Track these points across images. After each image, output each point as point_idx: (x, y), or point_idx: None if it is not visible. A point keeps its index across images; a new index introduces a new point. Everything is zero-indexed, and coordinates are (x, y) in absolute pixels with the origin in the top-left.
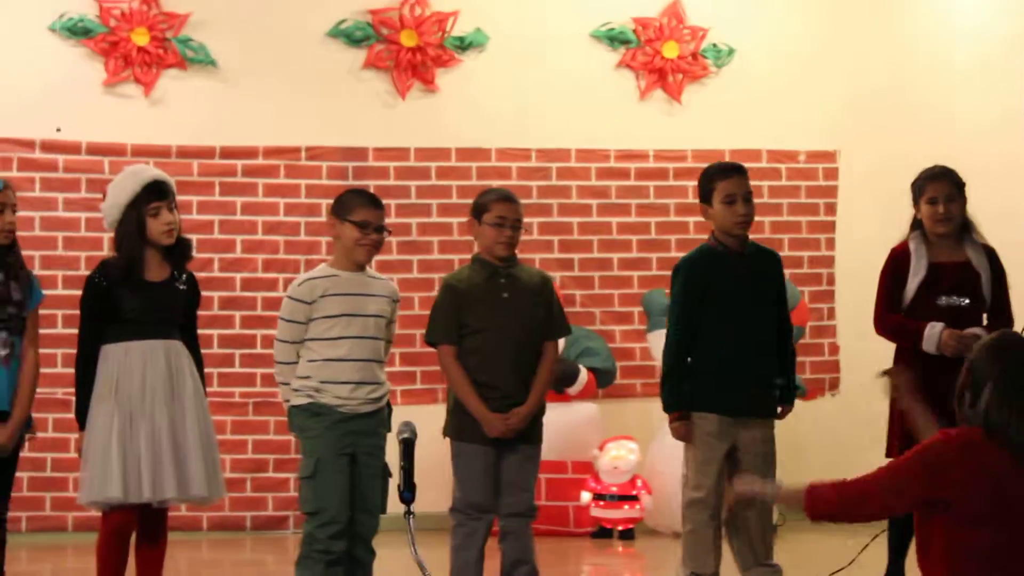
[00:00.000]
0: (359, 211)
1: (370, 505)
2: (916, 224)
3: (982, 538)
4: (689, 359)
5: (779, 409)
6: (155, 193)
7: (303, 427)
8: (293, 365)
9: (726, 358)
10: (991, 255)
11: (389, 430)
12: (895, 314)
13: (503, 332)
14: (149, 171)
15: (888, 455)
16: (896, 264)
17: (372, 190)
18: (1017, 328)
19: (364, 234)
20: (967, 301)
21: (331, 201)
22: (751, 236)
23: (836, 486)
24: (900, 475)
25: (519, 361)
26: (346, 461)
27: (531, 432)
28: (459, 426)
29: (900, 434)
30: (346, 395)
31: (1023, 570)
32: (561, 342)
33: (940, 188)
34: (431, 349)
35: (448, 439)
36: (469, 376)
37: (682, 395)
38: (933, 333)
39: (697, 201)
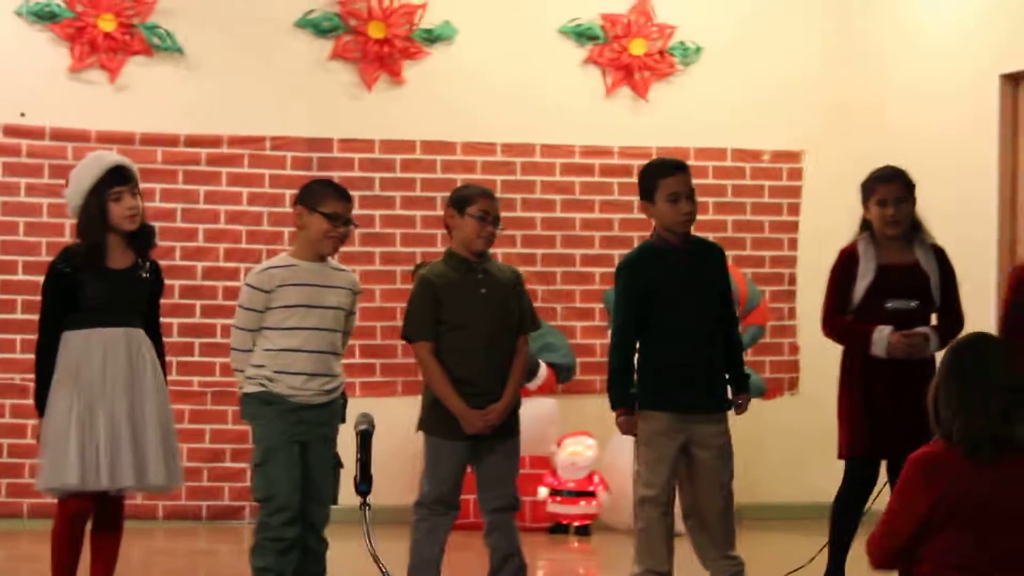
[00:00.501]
0: (330, 203)
1: (321, 495)
2: (865, 225)
3: (946, 538)
4: (636, 357)
5: (738, 400)
6: (117, 178)
7: (255, 415)
8: (248, 353)
9: (673, 355)
10: (940, 255)
11: (343, 421)
12: (843, 316)
13: (480, 328)
14: (111, 156)
15: (840, 456)
16: (844, 265)
17: (336, 180)
18: (966, 326)
19: (333, 226)
20: (915, 303)
21: (295, 191)
22: (713, 235)
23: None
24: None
25: (495, 356)
26: (297, 449)
27: (509, 426)
28: (435, 422)
29: (844, 434)
30: (299, 386)
31: (988, 565)
32: None
33: (890, 190)
34: (391, 342)
35: (422, 433)
36: (447, 372)
37: (628, 393)
38: (881, 337)
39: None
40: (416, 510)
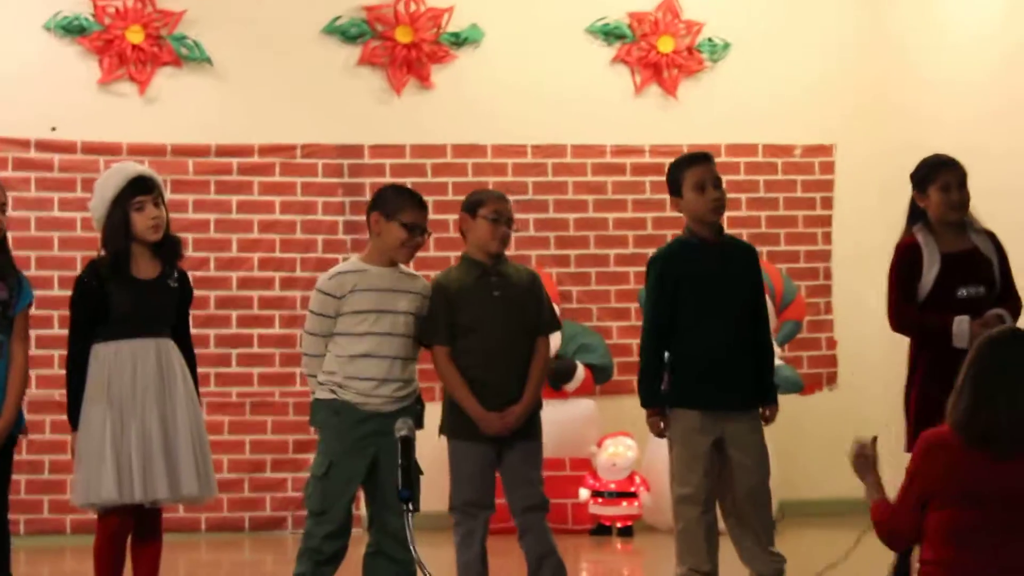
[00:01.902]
0: (408, 213)
1: (396, 504)
2: (919, 216)
3: (949, 517)
4: (668, 354)
5: (765, 412)
6: (139, 188)
7: (324, 423)
8: (320, 358)
9: (703, 351)
10: (995, 240)
11: (421, 427)
12: (913, 309)
13: (495, 331)
14: (133, 167)
15: (908, 450)
16: (908, 258)
17: (367, 187)
18: None
19: (411, 236)
20: (983, 290)
21: (327, 199)
22: (747, 231)
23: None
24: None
25: (512, 359)
26: (364, 464)
27: (529, 428)
28: (455, 425)
29: (911, 429)
30: (369, 392)
31: (992, 545)
32: (557, 338)
33: (953, 175)
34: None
35: (444, 438)
36: (463, 375)
37: (657, 391)
38: (962, 328)
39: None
40: (451, 515)
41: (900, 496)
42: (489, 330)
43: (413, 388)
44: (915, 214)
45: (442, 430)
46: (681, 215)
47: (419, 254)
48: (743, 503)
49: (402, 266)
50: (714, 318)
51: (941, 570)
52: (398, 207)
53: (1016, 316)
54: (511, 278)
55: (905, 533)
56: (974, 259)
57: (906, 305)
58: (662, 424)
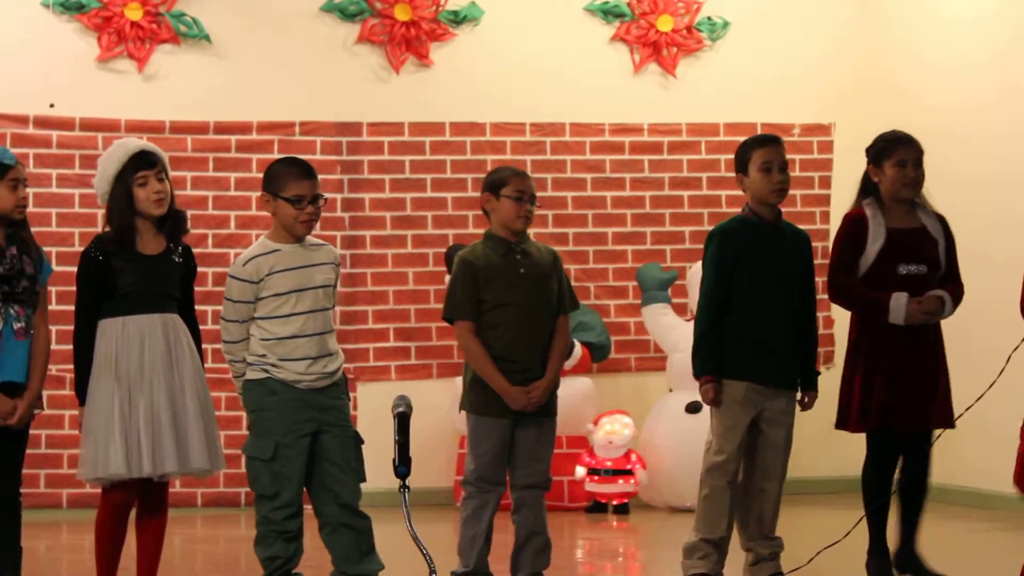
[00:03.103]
0: (292, 186)
1: (345, 475)
2: (870, 189)
3: None
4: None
5: (805, 399)
6: (142, 163)
7: (260, 404)
8: (244, 342)
9: (754, 326)
10: (943, 222)
11: (349, 398)
12: (853, 281)
13: (522, 307)
14: (135, 142)
15: (837, 426)
16: (853, 230)
17: (366, 165)
18: (1002, 298)
19: (300, 210)
20: (925, 269)
21: (325, 176)
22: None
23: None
24: None
25: (536, 335)
26: (306, 442)
27: (548, 405)
28: (477, 400)
29: (855, 406)
30: (303, 371)
31: None
32: None
33: (909, 152)
34: (425, 324)
35: (464, 413)
36: (489, 351)
37: (713, 360)
38: (899, 305)
39: (733, 173)
40: (463, 488)
41: None
42: (516, 307)
43: (340, 361)
44: (867, 187)
45: (463, 406)
46: (744, 191)
47: (416, 232)
48: (763, 482)
49: (310, 238)
50: (768, 296)
51: None
52: (281, 183)
53: (957, 300)
54: (535, 256)
55: None
56: (920, 237)
57: (845, 276)
58: (714, 391)
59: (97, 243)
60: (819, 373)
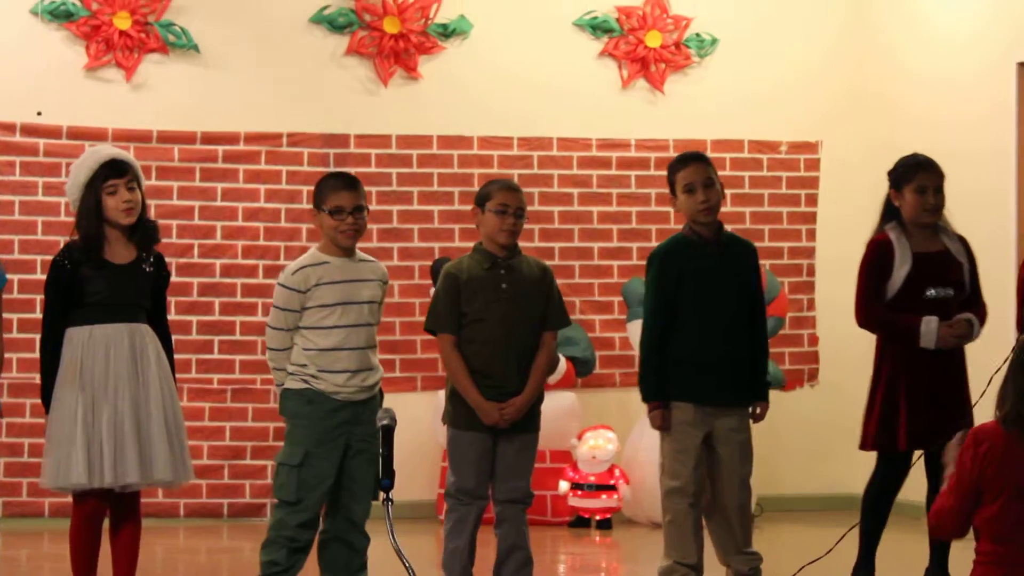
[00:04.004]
0: (332, 198)
1: (363, 492)
2: (892, 214)
3: (1000, 510)
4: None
5: (757, 410)
6: (112, 171)
7: (296, 413)
8: (287, 351)
9: (700, 347)
10: (966, 245)
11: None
12: (880, 306)
13: (502, 322)
14: (108, 150)
15: (862, 447)
16: (879, 255)
17: (347, 172)
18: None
19: (340, 220)
20: (952, 292)
21: (312, 187)
22: (731, 227)
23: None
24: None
25: (517, 351)
26: (338, 454)
27: (528, 421)
28: (456, 413)
29: (874, 426)
30: (342, 383)
31: None
32: None
33: (931, 178)
34: (410, 337)
35: (446, 425)
36: (467, 365)
37: (659, 385)
38: (931, 329)
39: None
40: (446, 501)
41: (950, 488)
42: (496, 321)
43: (379, 376)
44: (889, 211)
45: (444, 418)
46: (678, 212)
47: (403, 244)
48: (724, 500)
49: (359, 253)
50: (711, 314)
51: (994, 563)
52: (323, 195)
53: (982, 321)
54: (522, 271)
55: (949, 526)
56: (945, 261)
57: (873, 302)
58: (661, 418)
59: (66, 251)
60: (771, 384)
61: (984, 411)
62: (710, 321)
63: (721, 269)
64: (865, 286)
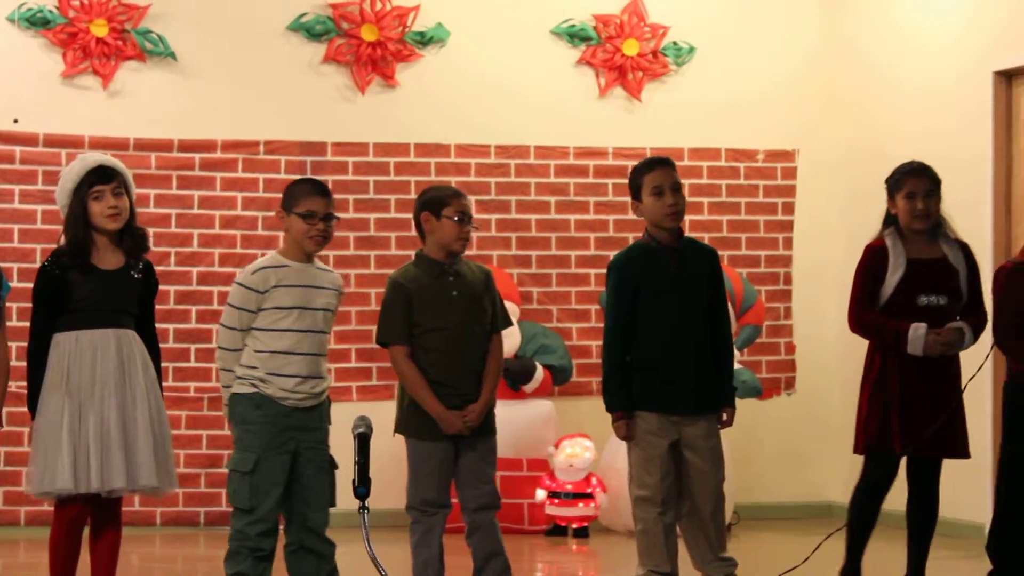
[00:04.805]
0: (304, 202)
1: (317, 499)
2: (890, 220)
3: None
4: (628, 357)
5: (723, 416)
6: (99, 177)
7: (245, 418)
8: (237, 352)
9: (662, 355)
10: (966, 251)
11: (331, 423)
12: (872, 312)
13: (456, 330)
14: (96, 157)
15: (856, 451)
16: (873, 260)
17: (330, 185)
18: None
19: (311, 225)
20: (945, 300)
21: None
22: (708, 235)
23: None
24: None
25: (472, 357)
26: (287, 459)
27: (487, 425)
28: (414, 424)
29: (871, 428)
30: (291, 388)
31: None
32: (516, 338)
33: (918, 184)
34: None
35: (401, 436)
36: (424, 375)
37: (622, 395)
38: (918, 336)
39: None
40: (409, 513)
41: None
42: (450, 330)
43: (327, 384)
44: (889, 218)
45: (398, 429)
46: (639, 217)
47: (380, 252)
48: (698, 506)
49: (317, 261)
50: (673, 321)
51: None
52: (295, 199)
53: (979, 330)
54: (467, 276)
55: None
56: (940, 268)
57: (865, 306)
58: (626, 428)
59: (54, 257)
60: (736, 388)
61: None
62: (671, 329)
63: (680, 275)
64: (858, 291)
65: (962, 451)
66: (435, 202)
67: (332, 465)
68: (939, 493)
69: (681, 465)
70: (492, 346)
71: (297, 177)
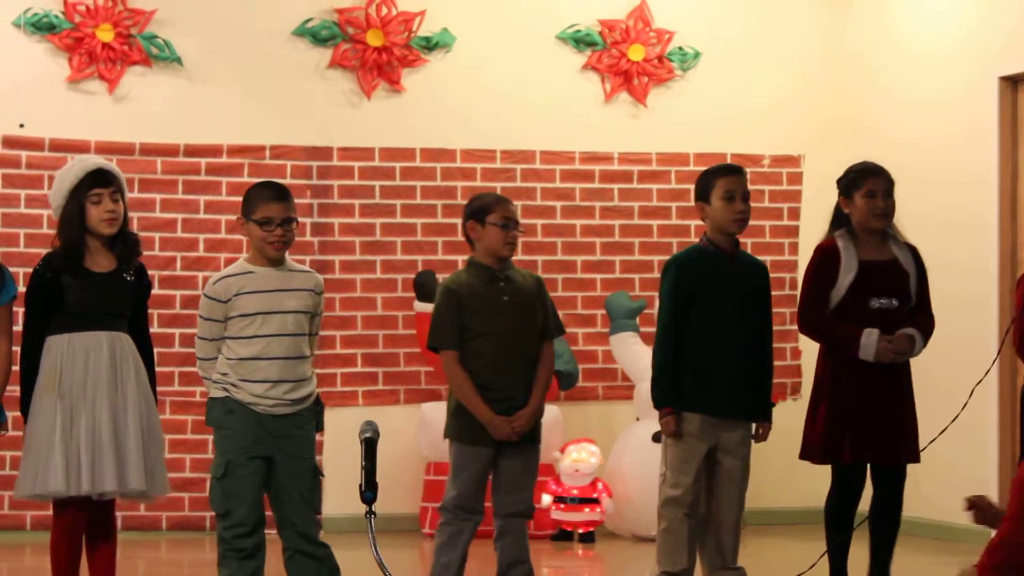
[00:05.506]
0: (261, 208)
1: (299, 505)
2: (842, 221)
3: None
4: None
5: (759, 430)
6: (98, 180)
7: (219, 423)
8: (213, 361)
9: (710, 358)
10: (915, 254)
11: (320, 428)
12: (823, 314)
13: (506, 335)
14: (94, 159)
15: (802, 457)
16: (824, 261)
17: (336, 190)
18: (968, 337)
19: (268, 232)
20: (896, 303)
21: (296, 201)
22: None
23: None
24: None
25: (522, 363)
26: (259, 463)
27: (532, 433)
28: (460, 428)
29: (817, 437)
30: (261, 394)
31: None
32: None
33: (878, 183)
34: (393, 350)
35: (448, 440)
36: (473, 379)
37: (672, 392)
38: (870, 342)
39: (692, 202)
40: (441, 514)
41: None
42: (500, 334)
43: (310, 389)
44: (839, 219)
45: (447, 433)
46: (703, 219)
47: (386, 257)
48: (720, 513)
49: (291, 263)
50: (723, 327)
51: None
52: (251, 205)
53: (927, 333)
54: (518, 283)
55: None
56: (892, 270)
57: (815, 308)
58: (675, 423)
59: (46, 260)
60: (774, 404)
61: (963, 428)
62: (721, 334)
63: (735, 284)
64: (808, 292)
65: (913, 456)
66: (480, 210)
67: (316, 472)
68: (902, 498)
69: (711, 471)
70: (543, 353)
71: (309, 184)
